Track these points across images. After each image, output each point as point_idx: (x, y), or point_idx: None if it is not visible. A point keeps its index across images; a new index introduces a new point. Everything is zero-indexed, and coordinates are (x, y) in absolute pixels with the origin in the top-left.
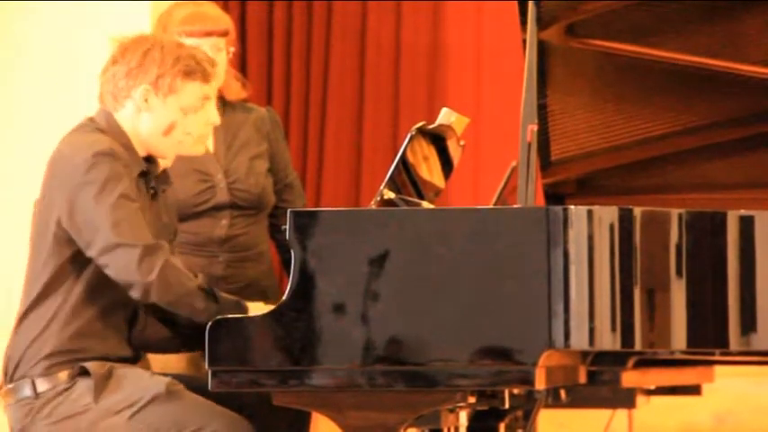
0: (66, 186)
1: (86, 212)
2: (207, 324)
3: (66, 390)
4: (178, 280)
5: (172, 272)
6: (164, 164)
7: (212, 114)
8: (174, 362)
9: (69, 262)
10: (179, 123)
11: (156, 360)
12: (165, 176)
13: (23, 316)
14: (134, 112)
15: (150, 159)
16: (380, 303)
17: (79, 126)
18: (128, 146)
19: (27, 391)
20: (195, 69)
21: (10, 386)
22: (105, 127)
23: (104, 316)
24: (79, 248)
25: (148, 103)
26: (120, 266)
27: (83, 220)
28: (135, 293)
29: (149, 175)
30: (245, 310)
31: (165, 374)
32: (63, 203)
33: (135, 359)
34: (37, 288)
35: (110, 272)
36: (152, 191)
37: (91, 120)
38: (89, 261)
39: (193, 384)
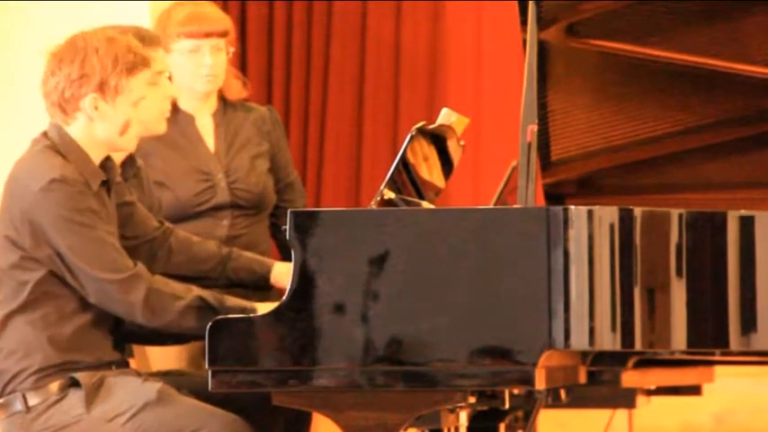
0: (26, 215)
1: (56, 247)
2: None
3: (58, 401)
4: (162, 306)
5: (156, 299)
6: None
7: (168, 87)
8: (174, 359)
9: (47, 279)
10: (133, 118)
11: (156, 358)
12: (130, 161)
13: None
14: (86, 122)
15: (107, 162)
16: (380, 303)
17: (33, 144)
18: (83, 159)
19: (18, 406)
20: (135, 62)
21: (0, 401)
22: (59, 142)
23: (91, 326)
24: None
25: (99, 111)
26: (100, 298)
27: (52, 252)
28: (121, 317)
29: (110, 181)
30: (251, 313)
31: (164, 372)
32: (27, 234)
33: (127, 358)
34: (13, 305)
35: (91, 300)
36: (134, 177)
37: (44, 135)
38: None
39: (193, 384)
